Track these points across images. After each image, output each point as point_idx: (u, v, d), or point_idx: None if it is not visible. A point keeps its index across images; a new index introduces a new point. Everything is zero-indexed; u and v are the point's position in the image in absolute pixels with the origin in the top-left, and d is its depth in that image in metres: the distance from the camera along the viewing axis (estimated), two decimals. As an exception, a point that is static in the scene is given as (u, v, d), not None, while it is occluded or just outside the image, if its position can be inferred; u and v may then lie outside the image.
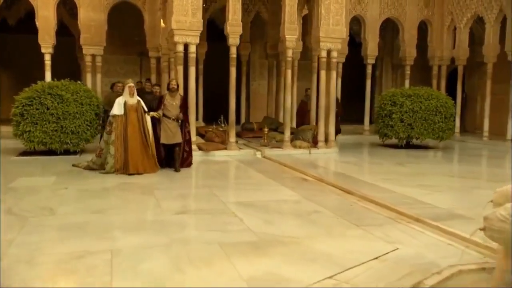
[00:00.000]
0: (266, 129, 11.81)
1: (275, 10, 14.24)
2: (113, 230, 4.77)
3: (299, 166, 9.27)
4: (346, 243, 4.53)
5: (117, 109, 8.00)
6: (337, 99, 13.13)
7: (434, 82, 16.04)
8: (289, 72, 11.18)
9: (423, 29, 16.21)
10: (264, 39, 15.66)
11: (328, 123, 11.55)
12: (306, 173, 8.56)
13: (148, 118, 8.22)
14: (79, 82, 10.65)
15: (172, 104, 8.40)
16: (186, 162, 8.72)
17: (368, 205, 6.14)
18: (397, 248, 4.33)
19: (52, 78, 11.35)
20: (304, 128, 12.03)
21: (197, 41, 10.34)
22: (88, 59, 13.36)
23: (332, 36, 11.13)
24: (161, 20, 12.54)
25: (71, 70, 14.31)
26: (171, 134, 8.34)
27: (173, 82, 8.56)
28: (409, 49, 15.65)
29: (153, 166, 8.19)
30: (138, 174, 7.83)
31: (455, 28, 15.65)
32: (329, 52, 11.31)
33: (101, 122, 10.34)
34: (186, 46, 10.35)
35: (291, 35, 10.94)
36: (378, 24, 15.43)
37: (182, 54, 10.28)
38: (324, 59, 11.30)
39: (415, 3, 15.64)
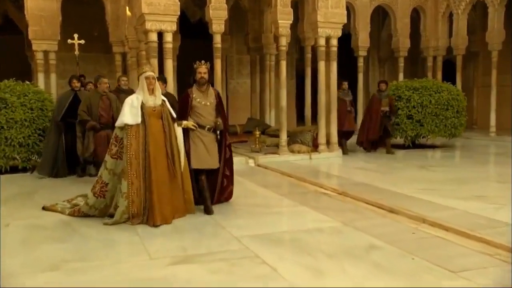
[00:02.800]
0: (257, 133, 10.06)
1: (257, -3, 12.62)
2: (79, 306, 2.91)
3: (306, 175, 7.61)
4: (460, 309, 2.85)
5: (130, 115, 4.78)
6: (388, 95, 10.31)
7: (429, 74, 14.67)
8: (283, 64, 9.47)
9: (413, 18, 14.85)
10: (243, 32, 13.92)
11: (330, 123, 9.90)
12: (322, 185, 6.87)
13: (179, 131, 5.07)
14: (27, 82, 8.57)
15: (204, 105, 5.22)
16: (225, 193, 5.56)
17: (435, 231, 4.50)
18: (553, 318, 2.68)
19: (-4, 80, 9.20)
20: (302, 129, 10.36)
21: (174, 28, 8.49)
22: (39, 56, 11.20)
23: (331, 21, 9.51)
24: (127, 8, 10.60)
25: (21, 72, 12.07)
26: (206, 154, 5.17)
27: (203, 69, 5.18)
28: (402, 39, 14.27)
29: (188, 206, 5.05)
30: (167, 224, 4.72)
31: (450, 15, 14.38)
32: (328, 39, 9.68)
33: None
34: (159, 36, 8.50)
35: (285, 20, 9.24)
36: (369, 11, 13.96)
37: (156, 44, 8.41)
38: (323, 48, 9.66)
39: (407, -11, 14.26)
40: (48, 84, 11.43)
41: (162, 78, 7.10)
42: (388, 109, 10.18)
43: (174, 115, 5.06)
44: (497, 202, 5.50)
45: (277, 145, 9.85)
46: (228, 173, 5.52)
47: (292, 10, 9.32)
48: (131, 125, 4.76)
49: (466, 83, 15.87)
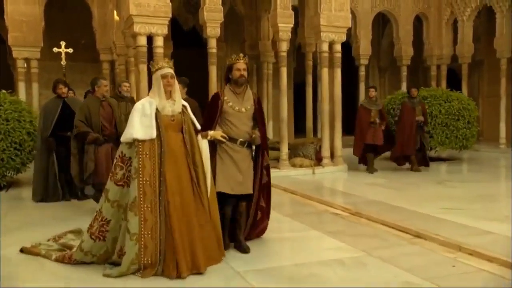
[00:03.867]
0: (256, 145, 9.28)
1: (253, 2, 12.01)
2: None
3: (312, 192, 6.88)
4: None
5: (141, 126, 3.54)
6: (420, 102, 8.98)
7: (433, 84, 14.04)
8: (284, 71, 8.74)
9: (414, 25, 14.26)
10: (239, 41, 13.22)
11: (334, 134, 9.18)
12: (331, 204, 6.12)
13: (204, 145, 3.81)
14: (3, 91, 7.78)
15: (238, 111, 4.01)
16: (258, 228, 4.36)
17: (477, 262, 3.75)
18: None
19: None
20: (303, 141, 9.61)
21: (165, 31, 7.77)
22: (20, 64, 10.45)
23: (335, 25, 8.84)
24: (114, 12, 9.89)
25: (4, 82, 11.27)
26: (237, 175, 3.97)
27: (241, 64, 3.99)
28: (405, 47, 13.64)
29: (217, 250, 3.71)
30: (200, 273, 3.45)
31: (454, 22, 13.81)
32: (331, 45, 9.00)
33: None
34: (149, 40, 7.78)
35: (285, 23, 8.55)
36: (370, 18, 13.35)
37: (145, 49, 7.68)
38: (326, 54, 8.97)
39: (410, -5, 13.67)
40: (30, 94, 10.66)
41: (183, 81, 5.47)
42: (423, 118, 8.77)
43: (198, 126, 3.82)
44: (538, 224, 4.77)
45: (276, 159, 9.08)
46: (263, 204, 4.29)
47: (292, 13, 8.65)
48: (143, 141, 3.51)
49: (470, 93, 15.22)
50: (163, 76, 3.61)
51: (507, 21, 12.10)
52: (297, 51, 14.59)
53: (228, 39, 13.13)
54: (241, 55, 4.11)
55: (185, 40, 14.00)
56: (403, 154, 8.75)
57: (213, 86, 8.39)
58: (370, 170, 8.68)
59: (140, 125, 3.51)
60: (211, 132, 3.87)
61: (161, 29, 7.69)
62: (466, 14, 13.14)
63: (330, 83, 9.11)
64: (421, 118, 8.71)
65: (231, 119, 4.00)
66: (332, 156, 9.18)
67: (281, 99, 8.75)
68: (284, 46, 8.72)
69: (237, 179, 3.94)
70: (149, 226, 3.41)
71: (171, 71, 3.65)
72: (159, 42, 7.74)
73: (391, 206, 5.84)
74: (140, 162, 3.47)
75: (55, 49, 9.80)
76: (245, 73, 4.00)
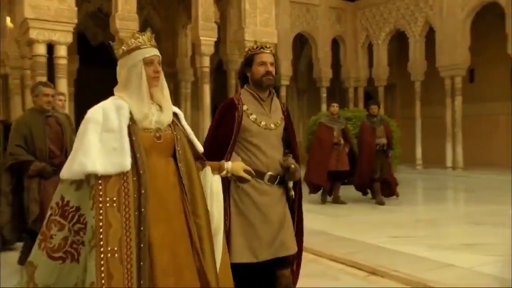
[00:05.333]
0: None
1: (169, 15, 11.21)
2: None
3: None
4: None
5: (102, 150, 1.84)
6: (383, 121, 7.53)
7: (351, 106, 14.13)
8: (206, 88, 8.04)
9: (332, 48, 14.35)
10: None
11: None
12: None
13: (215, 183, 2.14)
14: None
15: (266, 127, 2.50)
16: None
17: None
18: None
19: None
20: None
21: (69, 39, 6.70)
22: None
23: (261, 41, 8.27)
24: (7, 18, 8.54)
25: None
26: (267, 232, 2.43)
27: (268, 57, 2.48)
28: (324, 69, 13.62)
29: None
30: None
31: (369, 46, 14.05)
32: (257, 62, 8.44)
33: None
34: (49, 50, 6.67)
35: (207, 36, 7.87)
36: (290, 38, 13.15)
37: (44, 59, 6.54)
38: (252, 72, 8.37)
39: (327, 18, 13.74)
40: None
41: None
42: (386, 141, 7.28)
43: (201, 148, 2.21)
44: (494, 252, 4.41)
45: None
46: (295, 267, 2.70)
47: (215, 25, 8.00)
48: (107, 177, 1.83)
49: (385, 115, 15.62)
50: (147, 62, 1.95)
51: (420, 45, 12.46)
52: (216, 71, 13.98)
53: (141, 55, 12.13)
54: (267, 41, 2.75)
55: (94, 57, 12.81)
56: (364, 182, 7.38)
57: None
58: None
59: (100, 148, 1.85)
60: (228, 165, 2.26)
61: (64, 37, 6.62)
62: (381, 38, 13.42)
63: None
64: (382, 140, 7.22)
65: (256, 141, 2.49)
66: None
67: (204, 119, 7.99)
68: (206, 62, 8.05)
69: (264, 237, 2.41)
70: None
71: (158, 53, 2.04)
72: (61, 51, 6.66)
73: (334, 236, 5.26)
74: (101, 217, 1.79)
75: None
76: (273, 70, 2.53)
